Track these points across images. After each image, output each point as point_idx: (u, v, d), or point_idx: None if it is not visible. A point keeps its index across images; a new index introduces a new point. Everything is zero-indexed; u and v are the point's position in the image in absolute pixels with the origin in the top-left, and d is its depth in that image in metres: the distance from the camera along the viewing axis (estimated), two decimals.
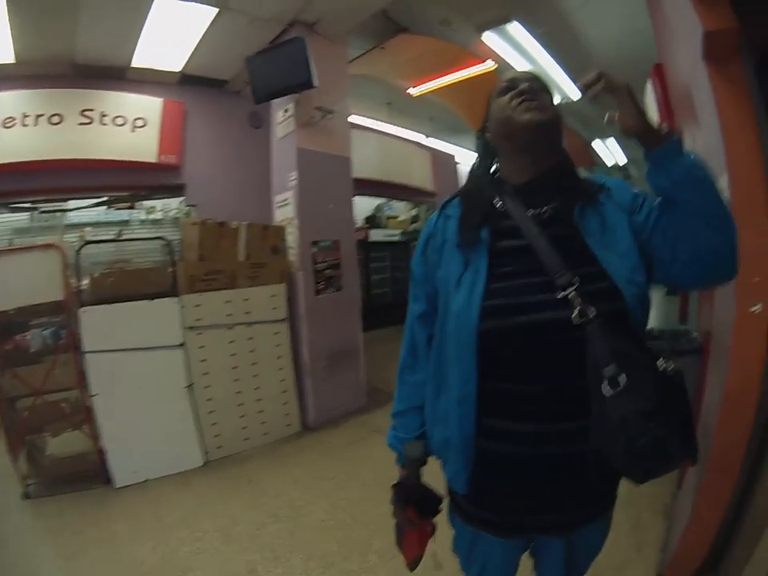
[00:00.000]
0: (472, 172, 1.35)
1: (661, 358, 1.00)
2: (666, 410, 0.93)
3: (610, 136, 10.18)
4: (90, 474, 3.62)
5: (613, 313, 1.02)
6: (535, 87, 1.15)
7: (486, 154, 1.30)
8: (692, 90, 2.19)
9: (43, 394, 3.47)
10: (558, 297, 1.03)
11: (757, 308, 1.77)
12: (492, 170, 1.29)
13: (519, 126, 1.13)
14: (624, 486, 1.21)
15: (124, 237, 6.09)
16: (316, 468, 3.85)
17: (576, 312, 1.01)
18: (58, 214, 5.87)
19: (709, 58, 1.90)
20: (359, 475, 3.68)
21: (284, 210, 4.82)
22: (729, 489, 1.98)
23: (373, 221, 10.38)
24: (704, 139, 2.16)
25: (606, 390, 0.94)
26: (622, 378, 0.93)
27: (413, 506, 1.32)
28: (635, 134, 1.04)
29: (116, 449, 3.62)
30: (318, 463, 3.95)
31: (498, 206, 1.20)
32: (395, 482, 1.40)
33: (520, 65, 6.21)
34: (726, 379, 1.89)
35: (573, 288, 1.02)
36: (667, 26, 2.58)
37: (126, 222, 6.34)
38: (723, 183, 1.87)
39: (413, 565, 1.47)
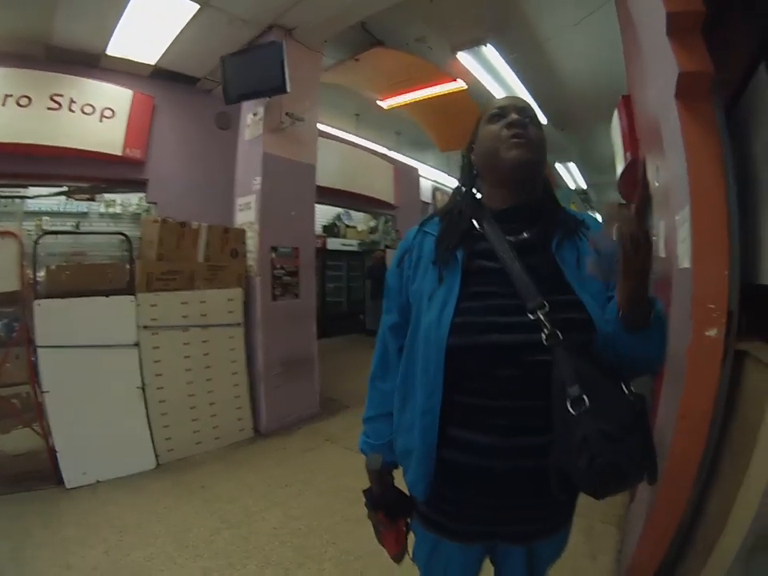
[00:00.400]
0: (455, 191, 1.36)
1: (623, 384, 1.02)
2: (627, 432, 0.96)
3: (571, 161, 10.39)
4: (41, 474, 3.50)
5: (581, 342, 1.05)
6: (525, 121, 1.17)
7: (470, 174, 1.32)
8: (660, 124, 2.28)
9: None
10: (529, 319, 1.06)
11: (712, 332, 1.84)
12: (474, 191, 1.32)
13: (504, 162, 1.16)
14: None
15: (82, 229, 5.99)
16: (270, 475, 3.83)
17: (545, 334, 1.03)
18: (17, 200, 5.72)
19: (681, 96, 1.97)
20: (314, 483, 3.67)
21: (246, 214, 4.80)
22: (683, 502, 2.05)
23: (331, 230, 10.45)
24: (669, 171, 2.25)
25: (570, 410, 0.96)
26: (585, 399, 0.96)
27: (381, 510, 1.35)
28: (624, 304, 1.03)
29: (67, 448, 3.52)
30: (271, 470, 3.92)
31: (476, 228, 1.22)
32: (366, 487, 1.40)
33: (491, 87, 6.37)
34: (680, 401, 1.96)
35: (542, 311, 1.05)
36: (641, 62, 2.66)
37: (84, 214, 6.26)
38: (685, 214, 1.95)
39: (397, 559, 1.48)
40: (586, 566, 2.55)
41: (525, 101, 1.25)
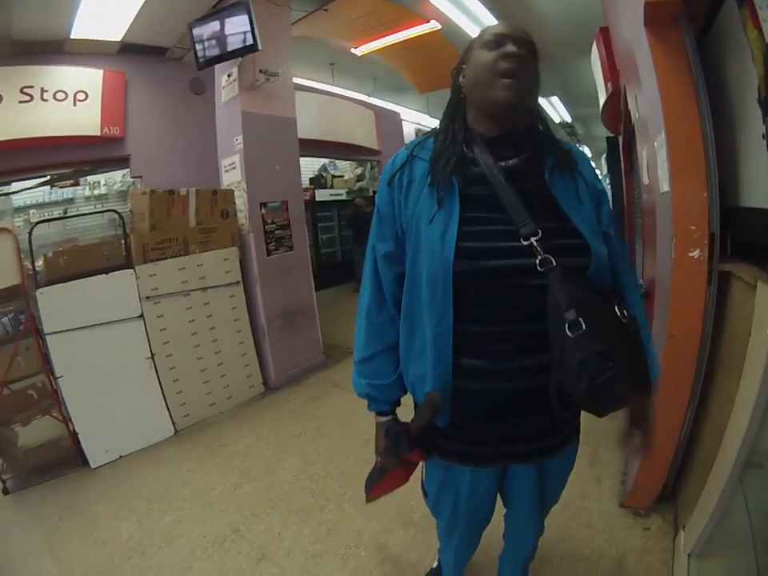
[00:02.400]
0: (445, 114, 1.31)
1: (616, 306, 1.09)
2: (621, 350, 1.01)
3: (554, 95, 10.29)
4: (65, 459, 3.57)
5: (575, 266, 1.08)
6: (523, 53, 1.13)
7: (459, 98, 1.28)
8: (634, 54, 2.29)
9: (8, 384, 3.37)
10: (523, 245, 1.08)
11: (695, 253, 1.90)
12: (463, 116, 1.27)
13: (494, 101, 1.14)
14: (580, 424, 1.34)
15: (72, 214, 5.98)
16: (284, 426, 3.94)
17: (538, 260, 1.06)
18: (2, 197, 5.71)
19: (649, 25, 1.99)
20: (325, 430, 3.79)
21: (231, 174, 4.79)
22: (679, 421, 2.14)
23: (318, 181, 10.39)
24: (645, 99, 2.27)
25: (568, 333, 1.00)
26: (582, 323, 0.99)
27: (419, 447, 1.28)
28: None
29: (87, 429, 3.58)
30: (284, 421, 4.04)
31: (466, 153, 1.21)
32: (393, 430, 1.32)
33: (465, 26, 6.23)
34: (668, 320, 2.03)
35: (535, 238, 1.07)
36: None
37: (70, 201, 6.25)
38: (662, 139, 2.00)
39: (372, 499, 1.50)
40: (592, 489, 2.66)
41: (524, 30, 1.18)
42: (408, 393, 1.36)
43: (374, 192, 10.65)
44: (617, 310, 1.08)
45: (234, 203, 4.64)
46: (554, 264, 1.05)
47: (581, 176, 1.23)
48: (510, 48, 1.12)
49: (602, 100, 5.47)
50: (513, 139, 1.21)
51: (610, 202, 1.29)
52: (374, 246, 1.32)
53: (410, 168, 1.26)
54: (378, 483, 1.44)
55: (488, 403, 1.18)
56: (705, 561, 1.78)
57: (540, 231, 1.07)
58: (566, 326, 1.00)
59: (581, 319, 0.99)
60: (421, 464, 1.43)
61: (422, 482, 1.48)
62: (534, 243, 1.07)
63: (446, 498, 1.42)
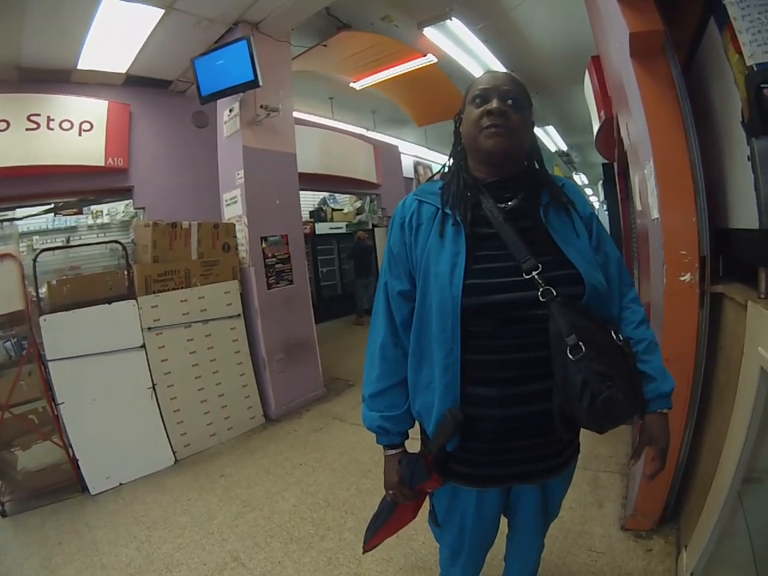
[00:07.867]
0: (451, 161, 1.43)
1: (612, 331, 1.18)
2: (618, 371, 1.10)
3: (549, 124, 10.40)
4: (65, 484, 3.59)
5: (572, 295, 1.16)
6: (505, 108, 1.22)
7: (459, 146, 1.40)
8: (623, 83, 2.37)
9: (10, 408, 3.38)
10: (525, 279, 1.16)
11: (686, 277, 1.95)
12: (466, 163, 1.37)
13: (483, 149, 1.25)
14: (581, 450, 1.40)
15: (75, 243, 6.02)
16: (285, 457, 3.96)
17: (540, 291, 1.14)
18: (6, 223, 5.76)
19: (635, 55, 2.07)
20: (326, 461, 3.81)
21: (233, 208, 4.87)
22: (677, 443, 2.17)
23: (317, 214, 10.52)
24: (635, 127, 2.35)
25: (570, 356, 1.08)
26: (582, 346, 1.07)
27: (437, 472, 1.32)
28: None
29: (87, 456, 3.60)
30: (285, 452, 4.05)
31: (473, 197, 1.29)
32: (407, 460, 1.36)
33: (461, 59, 6.40)
34: (662, 344, 2.05)
35: (537, 272, 1.16)
36: (601, 23, 2.75)
37: (73, 229, 6.27)
38: (650, 167, 2.06)
39: (372, 547, 1.54)
40: (593, 514, 2.65)
41: (509, 78, 1.29)
42: (414, 426, 1.42)
43: (374, 225, 10.87)
44: (612, 334, 1.17)
45: (236, 237, 4.72)
46: (555, 294, 1.14)
47: (574, 209, 1.33)
48: (494, 104, 1.22)
49: (595, 127, 5.58)
50: (510, 182, 1.31)
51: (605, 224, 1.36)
52: (386, 283, 1.38)
53: (418, 212, 1.34)
54: (386, 523, 1.47)
55: (495, 427, 1.23)
56: None
57: (540, 265, 1.16)
58: (568, 349, 1.08)
59: (581, 343, 1.07)
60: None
61: (430, 509, 1.51)
62: (536, 277, 1.15)
63: (453, 522, 1.45)
